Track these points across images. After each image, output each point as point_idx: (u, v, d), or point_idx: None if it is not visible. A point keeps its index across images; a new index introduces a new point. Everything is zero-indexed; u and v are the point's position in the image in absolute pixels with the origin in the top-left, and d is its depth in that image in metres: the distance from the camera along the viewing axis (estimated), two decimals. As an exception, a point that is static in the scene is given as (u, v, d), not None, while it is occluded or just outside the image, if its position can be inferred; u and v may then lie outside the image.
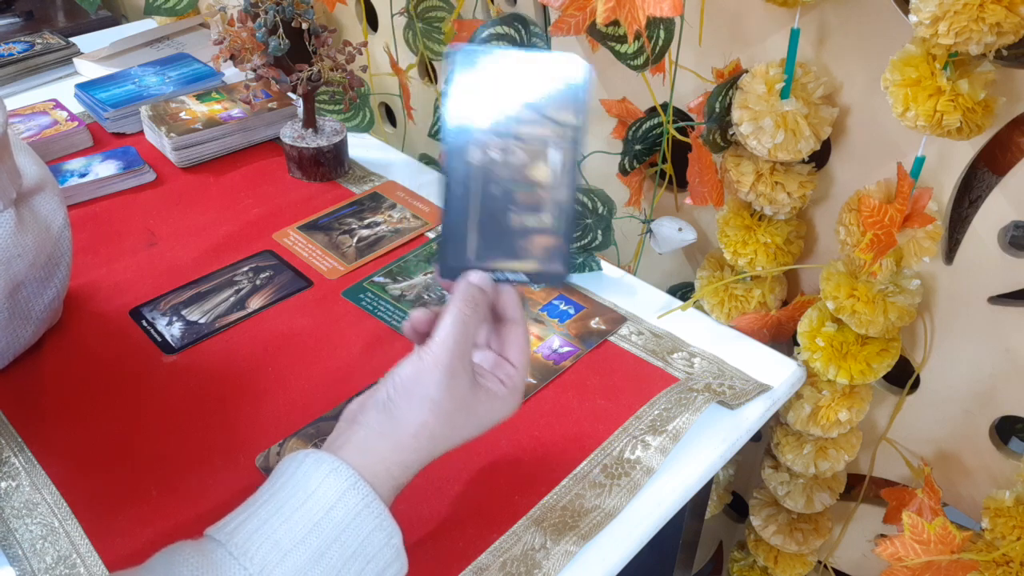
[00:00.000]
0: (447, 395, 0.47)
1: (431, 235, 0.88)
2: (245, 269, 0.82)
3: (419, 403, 0.47)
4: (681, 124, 0.76)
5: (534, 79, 0.47)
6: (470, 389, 0.48)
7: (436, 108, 1.05)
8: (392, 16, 1.03)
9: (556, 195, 0.48)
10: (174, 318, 0.75)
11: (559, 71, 0.47)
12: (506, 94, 0.47)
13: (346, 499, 0.44)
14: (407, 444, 0.47)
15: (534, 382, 0.69)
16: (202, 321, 0.75)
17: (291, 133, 0.96)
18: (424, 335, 0.50)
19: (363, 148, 1.05)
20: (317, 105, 1.00)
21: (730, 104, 0.70)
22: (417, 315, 0.50)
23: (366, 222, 0.90)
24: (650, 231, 0.81)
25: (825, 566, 0.92)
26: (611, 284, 0.81)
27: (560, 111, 0.47)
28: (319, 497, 0.44)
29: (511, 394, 0.50)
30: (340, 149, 0.96)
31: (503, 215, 0.48)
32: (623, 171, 0.83)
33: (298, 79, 0.89)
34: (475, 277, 0.49)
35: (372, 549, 0.45)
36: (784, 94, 0.67)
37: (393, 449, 0.47)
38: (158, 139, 1.01)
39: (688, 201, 0.79)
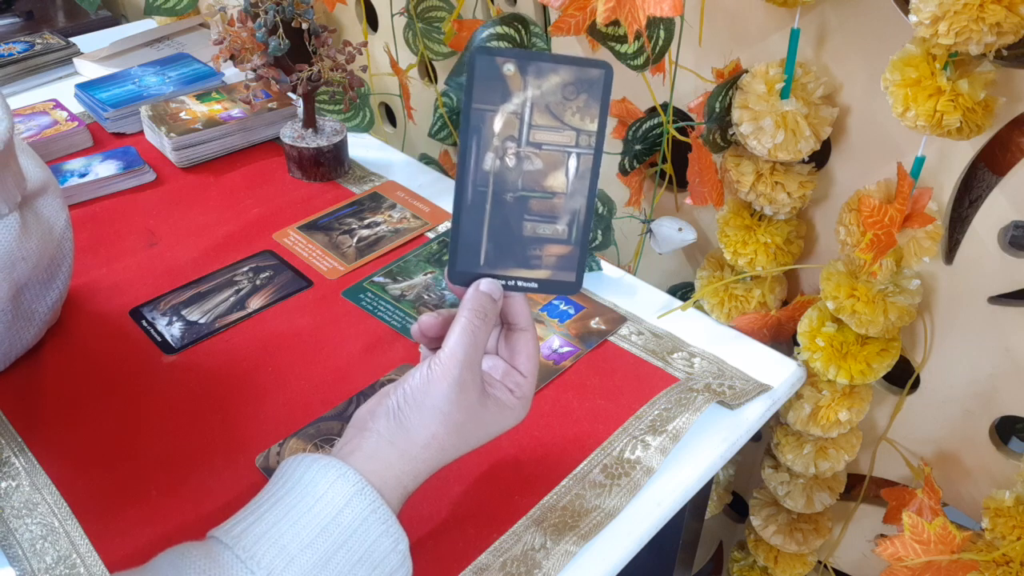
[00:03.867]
0: (456, 407, 0.47)
1: (431, 235, 0.88)
2: (245, 269, 0.82)
3: (429, 414, 0.47)
4: (681, 124, 0.76)
5: (553, 84, 0.46)
6: (479, 400, 0.48)
7: (436, 108, 1.05)
8: (392, 16, 1.03)
9: (572, 203, 0.48)
10: (174, 318, 0.75)
11: (579, 76, 0.46)
12: (524, 99, 0.46)
13: (353, 504, 0.44)
14: (417, 454, 0.47)
15: (534, 382, 0.69)
16: (202, 321, 0.75)
17: (291, 133, 0.96)
18: (432, 339, 0.50)
19: (363, 148, 1.05)
20: (317, 105, 1.00)
21: (730, 104, 0.70)
22: (426, 320, 0.50)
23: (366, 222, 0.90)
24: (650, 231, 0.81)
25: (825, 566, 0.92)
26: (611, 284, 0.81)
27: (579, 117, 0.46)
28: (327, 502, 0.44)
29: (520, 403, 0.50)
30: (340, 149, 0.96)
31: (516, 223, 0.48)
32: (623, 171, 0.83)
33: (298, 79, 0.89)
34: (485, 285, 0.48)
35: (379, 554, 0.45)
36: (784, 94, 0.67)
37: (402, 458, 0.47)
38: (158, 139, 1.01)
39: (688, 201, 0.79)
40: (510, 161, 0.47)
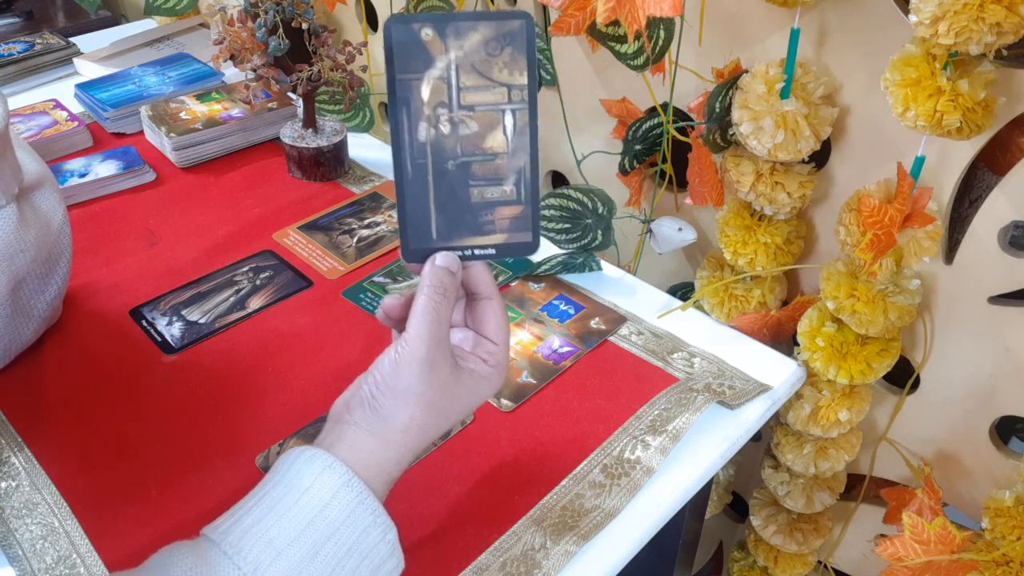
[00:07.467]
0: (429, 386, 0.47)
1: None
2: (245, 269, 0.82)
3: (403, 398, 0.47)
4: (681, 124, 0.76)
5: (475, 42, 0.44)
6: (452, 374, 0.48)
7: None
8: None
9: (515, 162, 0.46)
10: (174, 318, 0.75)
11: (499, 29, 0.44)
12: (448, 62, 0.44)
13: (340, 496, 0.44)
14: (397, 439, 0.47)
15: (534, 382, 0.69)
16: (202, 321, 0.75)
17: (291, 133, 0.96)
18: (399, 321, 0.49)
19: (363, 148, 1.05)
20: (317, 105, 1.00)
21: (730, 104, 0.70)
22: (389, 302, 0.49)
23: (366, 222, 0.90)
24: (650, 231, 0.81)
25: (825, 566, 0.92)
26: (611, 284, 0.81)
27: (507, 72, 0.45)
28: (313, 495, 0.44)
29: (495, 371, 0.50)
30: (340, 149, 0.96)
31: (463, 190, 0.46)
32: (623, 171, 0.83)
33: (298, 79, 0.89)
34: (441, 259, 0.47)
35: (367, 546, 0.45)
36: (784, 94, 0.67)
37: (383, 445, 0.47)
38: (158, 139, 1.01)
39: (688, 201, 0.79)
40: (445, 128, 0.45)
